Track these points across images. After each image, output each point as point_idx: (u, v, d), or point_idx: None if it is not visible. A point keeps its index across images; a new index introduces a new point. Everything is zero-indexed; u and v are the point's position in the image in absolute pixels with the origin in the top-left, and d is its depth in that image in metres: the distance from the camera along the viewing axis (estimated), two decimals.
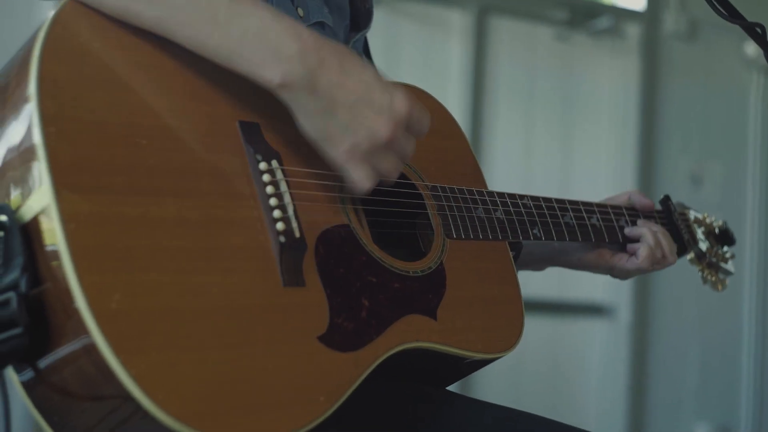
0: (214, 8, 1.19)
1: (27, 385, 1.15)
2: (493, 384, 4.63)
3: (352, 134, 1.24)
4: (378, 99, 1.25)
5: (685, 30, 5.44)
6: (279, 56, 1.20)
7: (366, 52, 1.80)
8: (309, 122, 1.25)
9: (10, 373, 1.14)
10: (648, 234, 1.78)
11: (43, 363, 1.12)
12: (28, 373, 1.14)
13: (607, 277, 1.86)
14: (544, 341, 4.96)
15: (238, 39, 1.20)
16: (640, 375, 5.26)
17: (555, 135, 5.19)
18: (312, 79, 1.21)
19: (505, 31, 5.04)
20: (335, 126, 1.24)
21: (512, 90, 5.07)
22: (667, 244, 1.80)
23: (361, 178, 1.27)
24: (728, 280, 1.99)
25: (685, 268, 1.97)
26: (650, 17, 5.42)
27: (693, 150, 5.48)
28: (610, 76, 5.34)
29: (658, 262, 1.80)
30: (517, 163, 5.02)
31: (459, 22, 4.92)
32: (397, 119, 1.25)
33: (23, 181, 1.12)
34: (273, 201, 1.24)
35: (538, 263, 1.91)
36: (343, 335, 1.25)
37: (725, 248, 2.01)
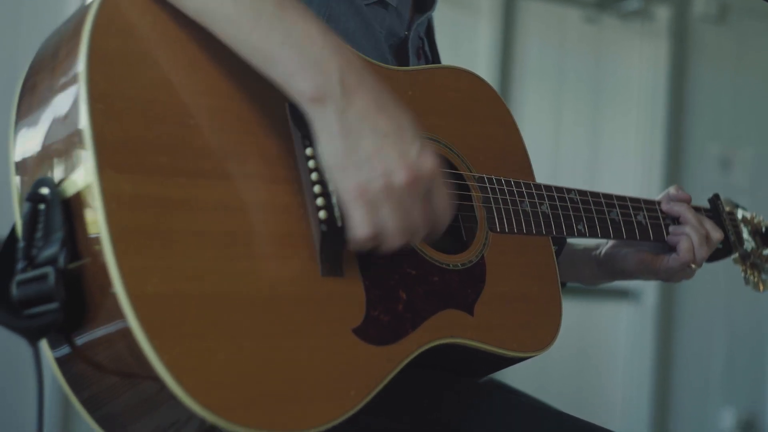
0: (258, 8, 1.15)
1: (60, 360, 1.15)
2: (519, 366, 4.63)
3: (369, 169, 1.15)
4: (407, 143, 1.17)
5: (716, 13, 5.40)
6: (318, 67, 1.14)
7: (429, 35, 1.73)
8: (330, 145, 1.16)
9: (44, 346, 1.14)
10: (690, 227, 1.69)
11: (78, 339, 1.11)
12: (62, 349, 1.14)
13: None
14: (569, 325, 4.91)
15: (278, 43, 1.15)
16: (665, 358, 5.25)
17: (583, 118, 5.17)
18: (346, 99, 1.15)
19: (534, 13, 5.03)
20: (355, 156, 1.15)
21: (540, 72, 5.05)
22: (710, 227, 1.71)
23: (359, 223, 1.17)
24: None
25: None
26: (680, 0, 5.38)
27: (722, 134, 5.44)
28: (639, 59, 5.30)
29: (702, 246, 1.69)
30: (544, 146, 5.01)
31: (487, 3, 4.90)
32: (418, 172, 1.16)
33: (67, 156, 1.11)
34: (317, 188, 1.21)
35: (584, 269, 1.86)
36: (378, 328, 1.24)
37: None
